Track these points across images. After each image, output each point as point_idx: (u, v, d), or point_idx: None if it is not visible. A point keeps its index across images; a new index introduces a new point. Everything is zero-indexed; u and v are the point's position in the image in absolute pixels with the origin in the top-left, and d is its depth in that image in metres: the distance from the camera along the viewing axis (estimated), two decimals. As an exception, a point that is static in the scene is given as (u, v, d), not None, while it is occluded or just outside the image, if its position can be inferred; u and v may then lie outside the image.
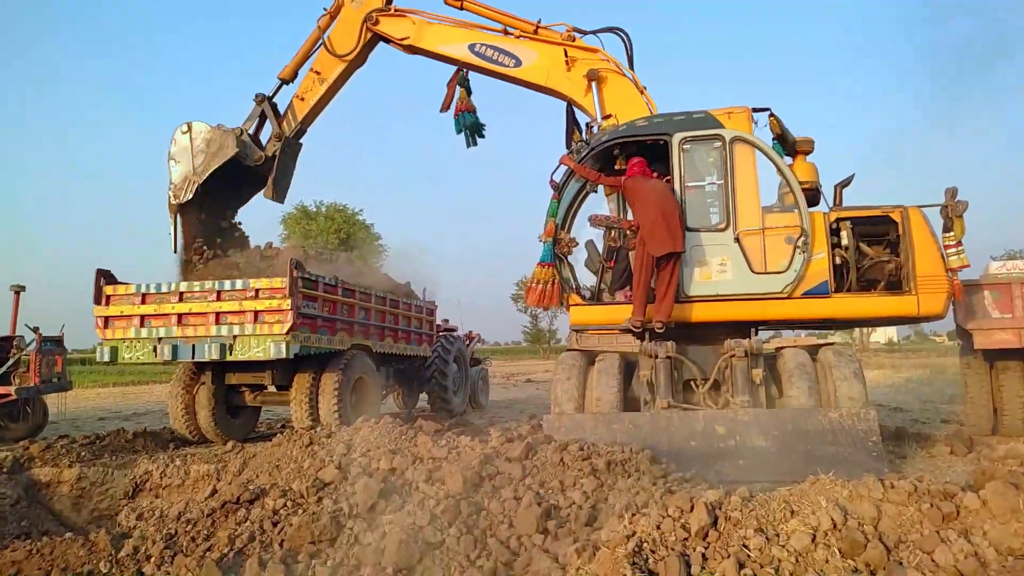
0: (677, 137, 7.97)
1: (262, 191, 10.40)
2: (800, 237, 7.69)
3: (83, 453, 8.71)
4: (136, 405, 19.10)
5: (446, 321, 16.65)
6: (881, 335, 71.80)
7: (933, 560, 3.35)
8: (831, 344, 8.28)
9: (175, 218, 9.95)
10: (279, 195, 10.38)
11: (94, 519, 7.35)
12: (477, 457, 5.96)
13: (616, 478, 5.59)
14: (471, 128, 9.59)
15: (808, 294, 7.71)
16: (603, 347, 9.18)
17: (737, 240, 7.76)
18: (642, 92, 8.83)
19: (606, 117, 8.75)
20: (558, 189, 8.23)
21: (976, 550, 3.33)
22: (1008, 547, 3.31)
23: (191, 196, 9.80)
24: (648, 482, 5.44)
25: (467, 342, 17.13)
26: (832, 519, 3.63)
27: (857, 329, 45.90)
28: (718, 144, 7.93)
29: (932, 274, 7.65)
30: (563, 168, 8.28)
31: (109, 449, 9.15)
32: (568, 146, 8.93)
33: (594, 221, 8.37)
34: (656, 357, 7.78)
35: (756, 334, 8.03)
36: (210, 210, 10.49)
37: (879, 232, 8.08)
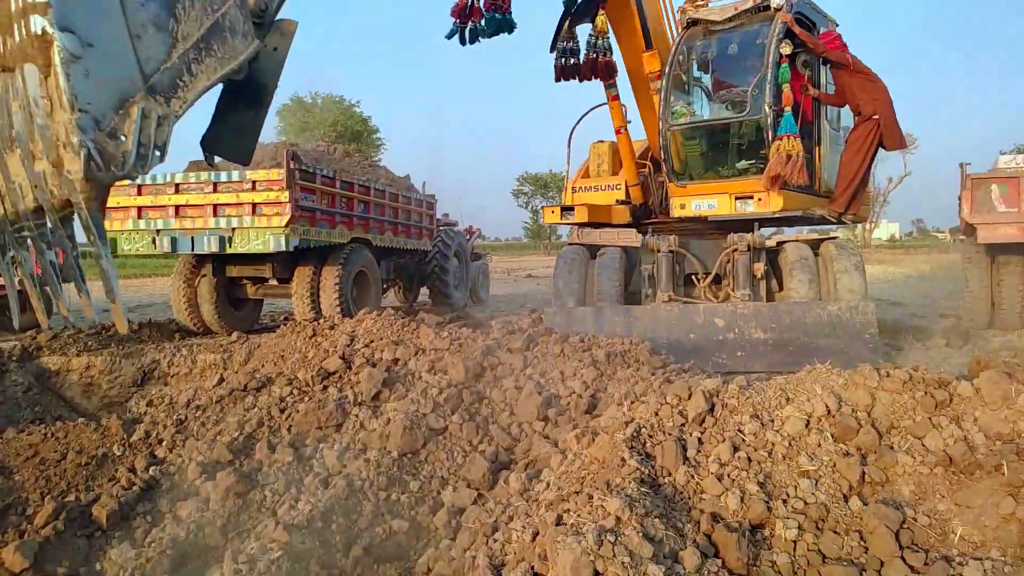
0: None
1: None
2: None
3: (90, 343, 8.84)
4: (139, 297, 19.28)
5: (446, 216, 16.55)
6: (883, 231, 71.66)
7: (924, 445, 3.44)
8: (833, 238, 8.27)
9: None
10: None
11: (104, 406, 7.55)
12: (479, 348, 6.05)
13: (615, 369, 5.70)
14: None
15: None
16: (605, 241, 9.16)
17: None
18: None
19: None
20: (791, 53, 7.48)
21: (966, 435, 3.41)
22: (997, 432, 3.38)
23: None
24: (647, 372, 5.54)
25: (467, 237, 17.10)
26: (827, 405, 3.70)
27: (860, 225, 45.86)
28: None
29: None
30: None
31: (115, 339, 9.28)
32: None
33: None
34: (659, 251, 7.77)
35: (759, 228, 7.99)
36: None
37: None
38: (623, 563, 2.74)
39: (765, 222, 8.26)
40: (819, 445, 3.59)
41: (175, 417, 5.72)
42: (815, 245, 8.13)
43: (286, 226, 8.81)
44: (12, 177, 2.52)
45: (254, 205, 8.96)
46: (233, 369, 7.17)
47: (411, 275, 14.17)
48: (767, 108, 7.43)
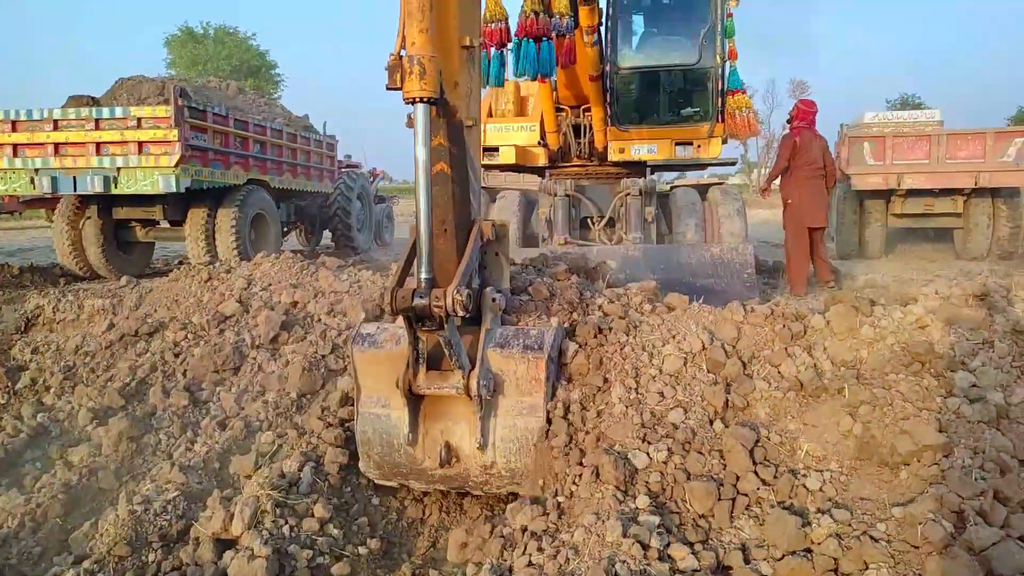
0: None
1: None
2: None
3: (-36, 289, 8.36)
4: (20, 240, 18.12)
5: (348, 157, 16.26)
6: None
7: (779, 372, 3.81)
8: (720, 184, 8.71)
9: None
10: None
11: (-16, 354, 7.20)
12: (379, 290, 6.11)
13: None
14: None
15: None
16: (506, 185, 9.29)
17: None
18: None
19: None
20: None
21: (815, 363, 3.81)
22: (842, 359, 3.80)
23: None
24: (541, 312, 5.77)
25: (371, 179, 16.87)
26: (702, 341, 4.03)
27: (757, 170, 48.23)
28: None
29: None
30: None
31: (-7, 284, 8.80)
32: None
33: None
34: (555, 195, 7.98)
35: (652, 174, 8.31)
36: None
37: None
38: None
39: (655, 166, 8.58)
40: (694, 377, 3.93)
41: (63, 364, 5.57)
42: (703, 190, 8.55)
43: (176, 166, 8.49)
44: None
45: (140, 144, 8.56)
46: (123, 314, 6.96)
47: (313, 218, 13.92)
48: (717, 59, 7.73)
